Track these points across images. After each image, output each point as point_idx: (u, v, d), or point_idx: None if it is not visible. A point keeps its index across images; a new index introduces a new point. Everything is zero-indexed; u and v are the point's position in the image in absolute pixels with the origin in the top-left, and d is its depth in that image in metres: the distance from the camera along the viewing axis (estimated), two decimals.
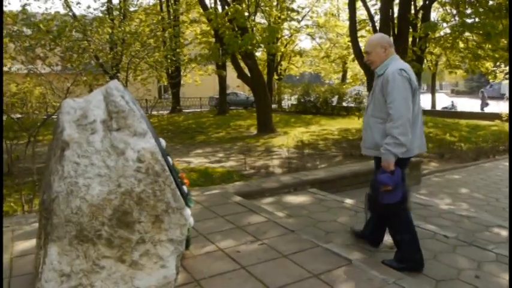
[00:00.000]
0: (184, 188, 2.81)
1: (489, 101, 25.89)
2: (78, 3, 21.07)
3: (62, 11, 13.59)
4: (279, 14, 14.54)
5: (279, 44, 17.02)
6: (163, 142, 2.89)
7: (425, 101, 25.01)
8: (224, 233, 3.43)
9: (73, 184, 2.21)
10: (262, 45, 9.25)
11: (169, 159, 2.77)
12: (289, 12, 12.11)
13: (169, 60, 11.66)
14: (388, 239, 3.32)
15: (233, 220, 3.75)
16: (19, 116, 6.99)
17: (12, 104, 5.94)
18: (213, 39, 16.11)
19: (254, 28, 13.64)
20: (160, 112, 26.74)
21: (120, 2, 18.49)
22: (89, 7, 15.15)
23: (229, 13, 8.67)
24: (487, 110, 23.99)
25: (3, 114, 7.08)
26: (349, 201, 4.89)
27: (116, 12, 15.50)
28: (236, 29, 9.21)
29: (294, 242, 3.19)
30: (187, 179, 3.09)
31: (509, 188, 5.60)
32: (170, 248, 2.36)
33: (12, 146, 7.18)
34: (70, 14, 13.68)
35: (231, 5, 9.28)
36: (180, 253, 2.43)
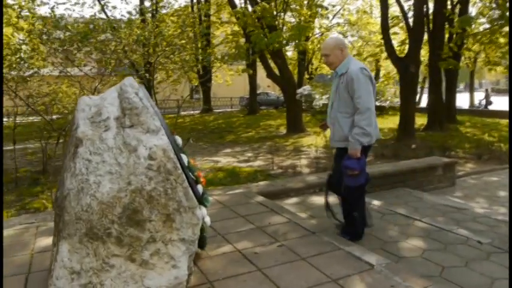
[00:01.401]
0: (200, 187, 2.75)
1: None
2: (114, 7, 21.57)
3: (101, 16, 14.04)
4: (308, 12, 14.31)
5: (309, 42, 16.75)
6: (179, 140, 2.84)
7: (462, 100, 24.06)
8: (243, 234, 3.34)
9: (84, 181, 2.19)
10: (290, 42, 9.09)
11: (185, 157, 2.71)
12: (318, 9, 11.87)
13: (198, 60, 11.76)
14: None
15: (253, 220, 3.66)
16: (54, 117, 7.21)
17: (43, 105, 6.11)
18: (243, 40, 16.09)
19: (285, 27, 13.51)
20: (191, 112, 27.13)
21: (152, 4, 18.86)
22: (112, 7, 15.38)
23: (257, 11, 8.60)
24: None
25: (38, 116, 7.32)
26: (376, 202, 4.69)
27: (148, 15, 15.81)
28: (264, 28, 9.12)
29: (314, 244, 3.06)
30: (205, 178, 3.03)
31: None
32: (182, 248, 2.30)
33: (46, 145, 7.42)
34: (104, 16, 14.08)
35: (259, 3, 9.19)
36: (192, 253, 2.37)
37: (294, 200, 4.91)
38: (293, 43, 9.24)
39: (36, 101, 6.53)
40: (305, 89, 3.93)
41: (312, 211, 4.40)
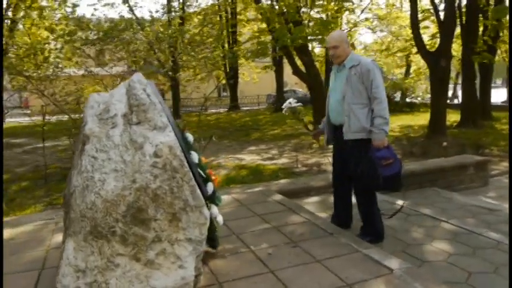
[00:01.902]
0: (210, 185, 2.68)
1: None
2: (141, 6, 21.97)
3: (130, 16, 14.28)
4: (335, 7, 14.01)
5: None
6: (189, 137, 2.78)
7: (499, 95, 23.01)
8: (257, 233, 3.25)
9: (89, 179, 2.16)
10: (315, 37, 8.88)
11: (195, 154, 2.65)
12: (346, 4, 11.57)
13: (224, 57, 11.75)
14: None
15: (270, 219, 3.56)
16: (82, 115, 7.34)
17: (68, 103, 6.22)
18: (270, 37, 15.99)
19: (311, 22, 13.28)
20: (219, 110, 27.25)
21: (179, 4, 19.03)
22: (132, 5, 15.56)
23: (280, 6, 8.45)
24: None
25: (65, 115, 7.49)
26: (401, 202, 4.49)
27: (175, 14, 15.95)
28: (289, 23, 8.96)
29: (330, 246, 2.93)
30: (216, 176, 2.97)
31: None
32: (189, 248, 2.23)
33: (75, 143, 7.56)
34: (132, 16, 14.31)
35: None
36: (199, 253, 2.29)
37: (314, 199, 4.78)
38: (318, 39, 9.01)
39: (63, 98, 6.66)
40: (291, 102, 3.82)
41: (332, 211, 4.25)
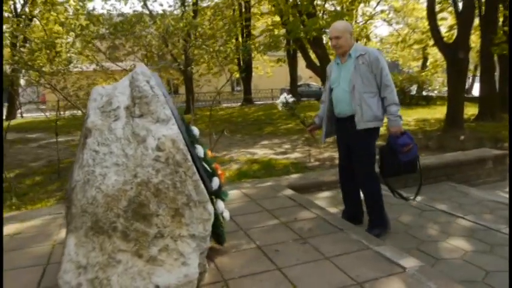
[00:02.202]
0: (216, 180, 2.61)
1: None
2: (155, 0, 21.90)
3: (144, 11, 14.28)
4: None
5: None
6: (195, 130, 2.71)
7: None
8: (266, 229, 3.17)
9: (90, 173, 2.11)
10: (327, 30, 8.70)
11: (201, 148, 2.58)
12: None
13: (237, 50, 11.64)
14: None
15: (279, 215, 3.48)
16: None
17: (78, 97, 6.23)
18: (283, 30, 15.82)
19: (325, 15, 13.06)
20: (232, 104, 27.20)
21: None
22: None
23: None
24: None
25: (79, 110, 7.51)
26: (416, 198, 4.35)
27: (188, 8, 15.90)
28: (303, 15, 8.80)
29: (341, 243, 2.84)
30: (223, 170, 2.90)
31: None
32: (192, 245, 2.17)
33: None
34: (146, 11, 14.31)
35: None
36: (203, 250, 2.23)
37: (325, 194, 4.68)
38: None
39: (74, 93, 6.68)
40: (286, 97, 3.72)
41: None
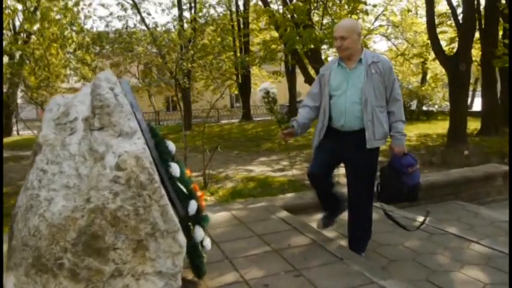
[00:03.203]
0: (194, 203, 2.24)
1: None
2: (153, 17, 21.87)
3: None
4: (349, 15, 13.59)
5: None
6: (171, 146, 2.35)
7: None
8: (255, 258, 2.78)
9: (34, 197, 1.75)
10: (325, 41, 8.42)
11: (176, 166, 2.22)
12: (358, 11, 11.10)
13: (236, 66, 11.45)
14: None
15: (270, 241, 3.09)
16: None
17: None
18: (282, 45, 15.63)
19: (323, 27, 12.84)
20: (231, 120, 26.92)
21: (191, 15, 18.84)
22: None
23: (288, 10, 8.05)
24: None
25: None
26: (421, 219, 3.96)
27: (186, 25, 15.74)
28: (300, 27, 8.56)
29: (339, 276, 2.45)
30: (203, 192, 2.54)
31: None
32: (159, 284, 1.79)
33: None
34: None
35: (292, 3, 8.65)
36: None
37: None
38: (329, 41, 8.52)
39: None
40: (267, 87, 3.22)
41: (343, 229, 3.75)
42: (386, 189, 2.98)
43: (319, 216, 4.25)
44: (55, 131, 1.95)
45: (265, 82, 3.13)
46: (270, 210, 3.97)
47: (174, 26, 14.34)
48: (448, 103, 12.69)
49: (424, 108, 19.85)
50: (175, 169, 2.20)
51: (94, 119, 1.95)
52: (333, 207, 3.28)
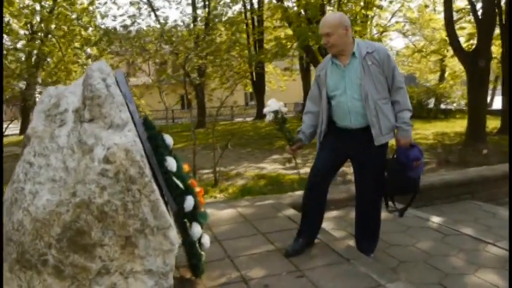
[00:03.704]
0: (190, 199, 2.14)
1: None
2: (167, 15, 21.93)
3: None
4: (364, 12, 13.35)
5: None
6: (168, 139, 2.26)
7: None
8: (257, 257, 2.68)
9: (19, 191, 1.67)
10: None
11: (172, 161, 2.13)
12: (376, 9, 10.84)
13: (250, 63, 11.40)
14: None
15: (274, 239, 2.98)
16: None
17: None
18: (296, 43, 15.50)
19: None
20: (245, 119, 26.88)
21: (204, 13, 18.82)
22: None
23: (300, 5, 7.89)
24: None
25: None
26: (436, 219, 3.80)
27: (200, 24, 15.72)
28: (313, 23, 8.38)
29: (345, 277, 2.32)
30: (203, 188, 2.44)
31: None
32: (149, 283, 1.70)
33: None
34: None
35: None
36: None
37: (333, 213, 4.16)
38: None
39: None
40: (271, 106, 2.86)
41: (352, 228, 3.62)
42: (390, 183, 2.77)
43: (328, 215, 4.13)
44: (45, 123, 1.88)
45: (271, 100, 2.81)
46: (277, 208, 3.86)
47: (183, 22, 14.39)
48: (466, 101, 12.33)
49: (442, 106, 19.41)
50: (171, 163, 2.11)
51: (84, 111, 1.86)
52: (312, 226, 2.88)
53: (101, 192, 1.66)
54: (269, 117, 2.72)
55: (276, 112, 2.71)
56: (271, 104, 2.72)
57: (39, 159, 1.74)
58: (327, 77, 2.72)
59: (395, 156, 2.73)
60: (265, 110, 2.74)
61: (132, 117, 1.92)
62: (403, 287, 2.16)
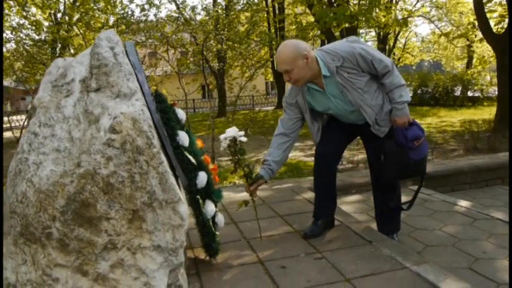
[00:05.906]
0: (203, 175, 2.05)
1: None
2: (187, 5, 21.83)
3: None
4: None
5: (386, 20, 14.97)
6: (181, 113, 2.17)
7: None
8: (274, 239, 2.57)
9: (23, 161, 1.61)
10: (360, 18, 7.90)
11: (185, 135, 2.03)
12: None
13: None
14: None
15: (293, 221, 2.87)
16: None
17: None
18: (318, 32, 15.19)
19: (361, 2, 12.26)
20: (267, 108, 26.76)
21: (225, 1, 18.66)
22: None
23: None
24: None
25: None
26: (463, 203, 3.61)
27: (220, 11, 15.60)
28: (333, 5, 8.13)
29: (367, 259, 2.19)
30: (215, 165, 2.34)
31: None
32: (157, 259, 1.61)
33: None
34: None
35: None
36: (174, 266, 1.66)
37: (354, 197, 4.02)
38: (365, 18, 8.01)
39: None
40: (228, 132, 2.36)
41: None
42: (389, 166, 2.55)
43: (349, 198, 4.00)
44: (51, 93, 1.80)
45: (231, 128, 2.49)
46: (296, 191, 3.74)
47: (203, 6, 14.32)
48: (496, 88, 11.84)
49: (469, 94, 18.75)
50: (183, 137, 2.02)
51: (91, 80, 1.78)
52: (327, 207, 2.74)
53: (107, 162, 1.58)
54: (224, 145, 2.43)
55: (232, 140, 2.42)
56: (229, 131, 2.44)
57: (44, 130, 1.67)
58: (311, 103, 2.55)
59: (394, 138, 2.51)
60: (221, 137, 2.46)
61: (141, 88, 1.82)
62: (430, 271, 2.02)
